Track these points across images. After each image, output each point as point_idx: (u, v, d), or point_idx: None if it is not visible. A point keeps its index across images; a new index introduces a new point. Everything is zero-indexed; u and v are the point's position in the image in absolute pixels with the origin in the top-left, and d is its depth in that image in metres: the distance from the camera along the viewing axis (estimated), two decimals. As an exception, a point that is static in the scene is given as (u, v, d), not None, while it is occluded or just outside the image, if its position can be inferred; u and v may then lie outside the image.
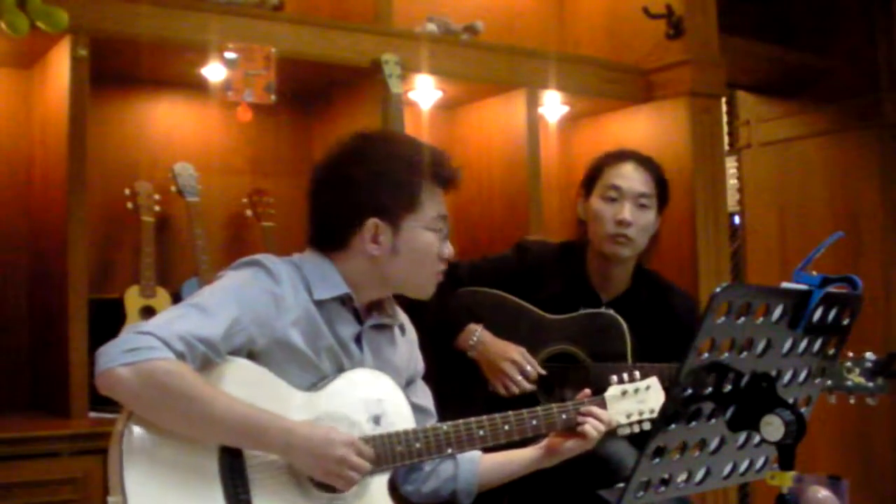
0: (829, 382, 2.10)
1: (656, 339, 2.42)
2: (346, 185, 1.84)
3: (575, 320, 2.44)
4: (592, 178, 2.55)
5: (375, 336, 1.92)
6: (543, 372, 2.39)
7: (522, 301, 2.48)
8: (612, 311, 2.43)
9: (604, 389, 2.04)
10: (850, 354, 2.12)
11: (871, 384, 2.13)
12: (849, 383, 2.12)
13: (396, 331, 1.97)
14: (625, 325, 2.38)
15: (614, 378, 2.06)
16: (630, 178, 2.48)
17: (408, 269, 1.85)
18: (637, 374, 2.07)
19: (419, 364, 2.05)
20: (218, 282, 1.78)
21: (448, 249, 1.89)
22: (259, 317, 1.72)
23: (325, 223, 1.88)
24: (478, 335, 2.40)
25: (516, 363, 2.36)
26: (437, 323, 2.36)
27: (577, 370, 2.41)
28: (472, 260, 2.70)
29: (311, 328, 1.78)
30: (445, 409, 2.03)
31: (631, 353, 2.37)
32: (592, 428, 1.96)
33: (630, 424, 2.03)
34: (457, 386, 2.36)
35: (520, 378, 2.36)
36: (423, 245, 1.84)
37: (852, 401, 2.16)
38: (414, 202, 1.83)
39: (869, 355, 2.15)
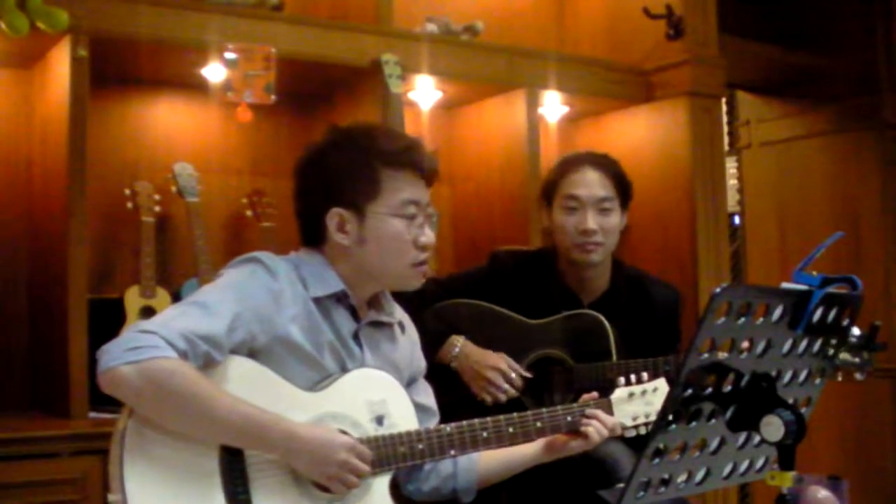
0: None
1: (639, 334, 2.41)
2: (312, 178, 1.87)
3: (557, 323, 2.42)
4: (551, 188, 2.51)
5: (374, 333, 1.91)
6: (529, 375, 2.38)
7: (503, 309, 2.46)
8: (593, 311, 2.40)
9: (591, 390, 2.03)
10: None
11: (857, 359, 2.12)
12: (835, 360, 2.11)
13: (396, 328, 1.97)
14: (607, 324, 2.36)
15: (622, 380, 2.05)
16: (588, 184, 2.44)
17: (379, 258, 1.83)
18: (645, 375, 2.05)
19: (421, 362, 2.05)
20: (218, 280, 1.78)
21: (426, 236, 1.86)
22: (259, 313, 1.72)
23: (301, 218, 1.90)
24: (459, 346, 2.38)
25: (500, 371, 2.34)
26: (421, 339, 2.36)
27: (562, 373, 2.40)
28: (449, 275, 2.69)
29: (311, 324, 1.79)
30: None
31: (616, 351, 2.35)
32: (596, 431, 1.95)
33: (636, 426, 2.02)
34: (445, 400, 2.36)
35: (505, 386, 2.34)
36: (389, 232, 1.82)
37: (840, 378, 2.15)
38: (374, 189, 1.82)
39: (853, 330, 2.14)
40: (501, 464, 1.99)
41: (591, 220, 2.41)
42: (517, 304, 2.46)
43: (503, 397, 2.34)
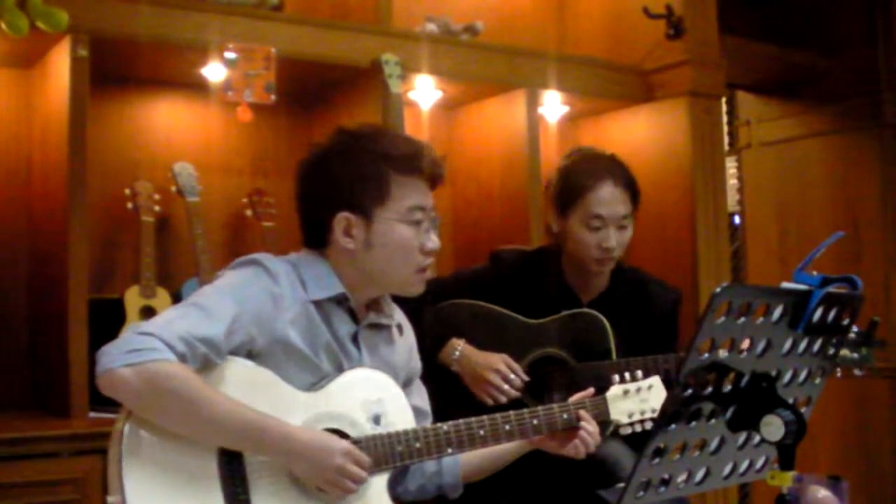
0: None
1: (638, 333, 2.43)
2: (319, 181, 1.86)
3: (557, 322, 2.44)
4: (570, 200, 2.47)
5: (372, 335, 1.91)
6: (526, 378, 2.39)
7: (503, 309, 2.47)
8: (592, 310, 2.43)
9: (597, 389, 2.03)
10: None
11: (855, 355, 2.12)
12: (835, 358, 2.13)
13: (394, 330, 1.97)
14: (606, 322, 2.38)
15: (616, 377, 2.06)
16: (611, 203, 2.43)
17: (385, 263, 1.83)
18: (639, 373, 2.07)
19: (418, 364, 2.05)
20: (217, 281, 1.78)
21: (432, 242, 1.86)
22: (258, 316, 1.72)
23: (306, 221, 1.89)
24: (460, 349, 2.39)
25: (500, 372, 2.35)
26: (419, 339, 2.35)
27: (562, 372, 2.41)
28: (450, 274, 2.69)
29: (309, 327, 1.79)
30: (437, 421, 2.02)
31: (615, 350, 2.37)
32: (584, 447, 1.95)
33: (632, 424, 2.03)
34: (447, 401, 2.35)
35: (506, 387, 2.35)
36: (397, 238, 1.82)
37: (839, 374, 2.16)
38: (382, 194, 1.81)
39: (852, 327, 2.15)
40: (485, 457, 1.99)
41: (613, 239, 2.43)
42: (518, 302, 2.47)
43: (503, 399, 2.35)
